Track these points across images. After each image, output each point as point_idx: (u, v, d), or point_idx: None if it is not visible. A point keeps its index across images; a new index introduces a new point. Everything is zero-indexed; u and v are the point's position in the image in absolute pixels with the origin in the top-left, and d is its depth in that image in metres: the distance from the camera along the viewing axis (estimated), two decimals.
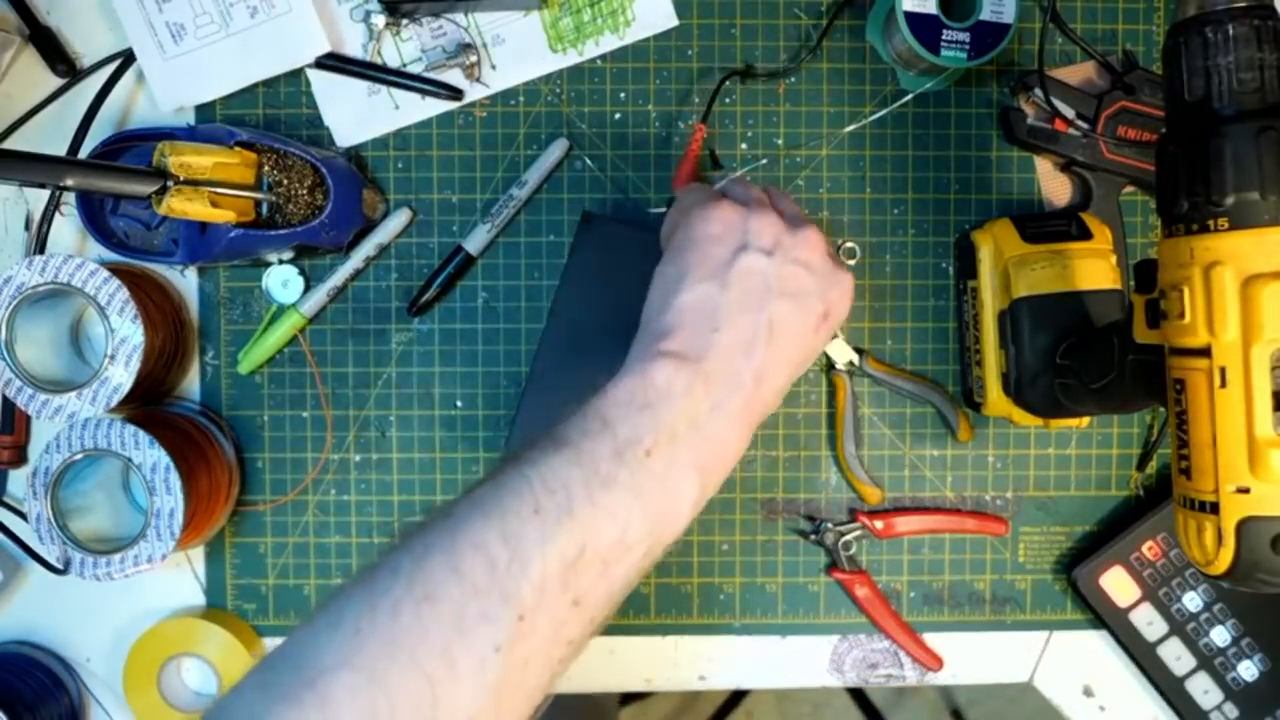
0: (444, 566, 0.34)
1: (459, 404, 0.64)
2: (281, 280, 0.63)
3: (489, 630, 0.33)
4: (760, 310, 0.42)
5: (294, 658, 0.33)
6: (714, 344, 0.41)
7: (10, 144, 0.62)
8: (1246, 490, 0.39)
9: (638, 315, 0.51)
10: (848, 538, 0.64)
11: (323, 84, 0.63)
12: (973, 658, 0.66)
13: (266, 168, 0.59)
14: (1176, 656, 0.63)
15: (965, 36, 0.57)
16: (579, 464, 0.37)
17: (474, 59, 0.62)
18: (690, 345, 0.41)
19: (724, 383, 0.41)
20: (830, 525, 0.64)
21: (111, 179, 0.52)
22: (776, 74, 0.63)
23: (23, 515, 0.62)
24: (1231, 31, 0.39)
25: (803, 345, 0.44)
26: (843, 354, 0.64)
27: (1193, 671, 0.63)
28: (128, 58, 0.61)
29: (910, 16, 0.57)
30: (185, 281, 0.64)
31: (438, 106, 0.63)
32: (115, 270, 0.56)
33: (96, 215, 0.61)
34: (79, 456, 0.56)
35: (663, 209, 0.57)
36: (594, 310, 0.59)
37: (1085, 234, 0.58)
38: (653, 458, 0.38)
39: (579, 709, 0.84)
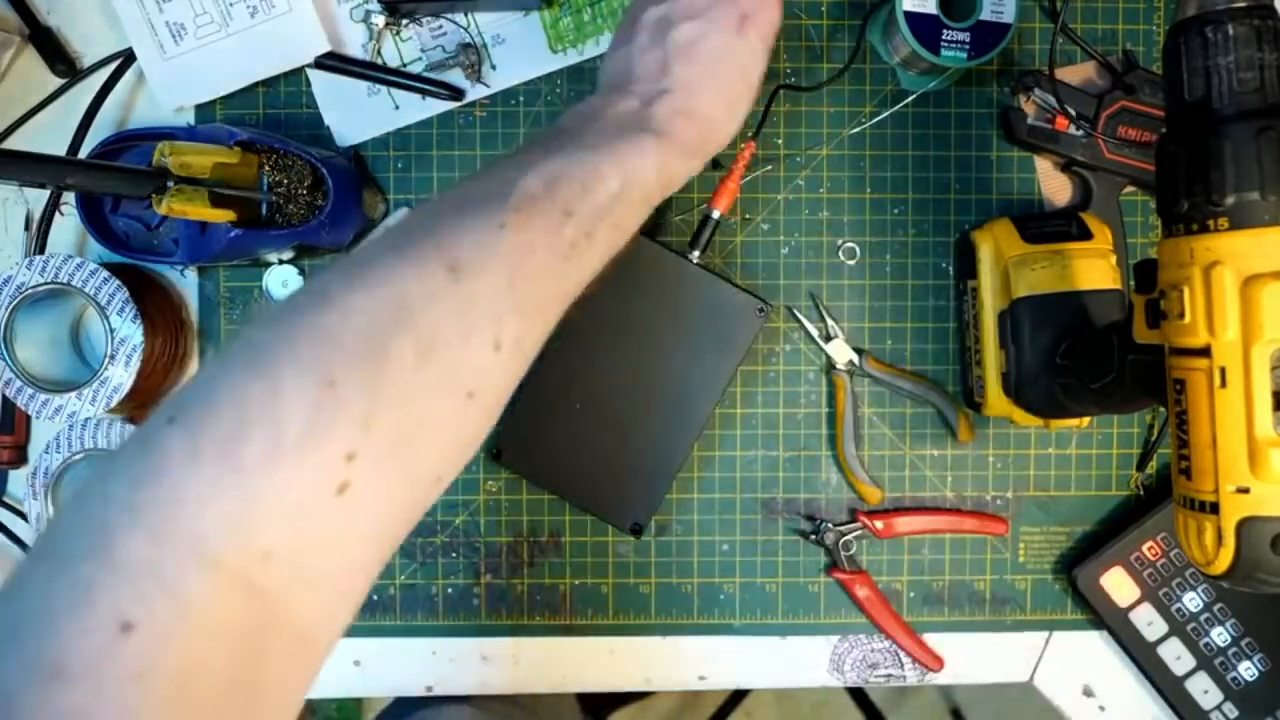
0: (451, 193, 0.42)
1: None
2: (281, 280, 0.63)
3: (490, 214, 0.40)
4: (663, 40, 0.48)
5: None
6: (633, 76, 0.49)
7: (10, 144, 0.62)
8: (1246, 490, 0.39)
9: (644, 329, 0.57)
10: (848, 538, 0.64)
11: (323, 84, 0.63)
12: (973, 658, 0.66)
13: (266, 168, 0.59)
14: (1176, 656, 0.63)
15: (965, 36, 0.57)
16: (548, 138, 0.45)
17: (474, 59, 0.62)
18: (614, 83, 0.49)
19: (650, 92, 0.48)
20: (830, 525, 0.64)
21: (111, 179, 0.52)
22: (819, 85, 0.63)
23: (23, 515, 0.62)
24: (1231, 31, 0.39)
25: (728, 52, 0.48)
26: (843, 354, 0.64)
27: (1193, 671, 0.63)
28: (128, 58, 0.61)
29: (910, 16, 0.57)
30: (185, 281, 0.64)
31: (438, 106, 0.63)
32: (115, 270, 0.56)
33: (96, 215, 0.61)
34: (79, 456, 0.56)
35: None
36: (603, 317, 0.59)
37: (1085, 234, 0.58)
38: (602, 133, 0.45)
39: (539, 710, 0.84)
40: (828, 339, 0.64)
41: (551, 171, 0.42)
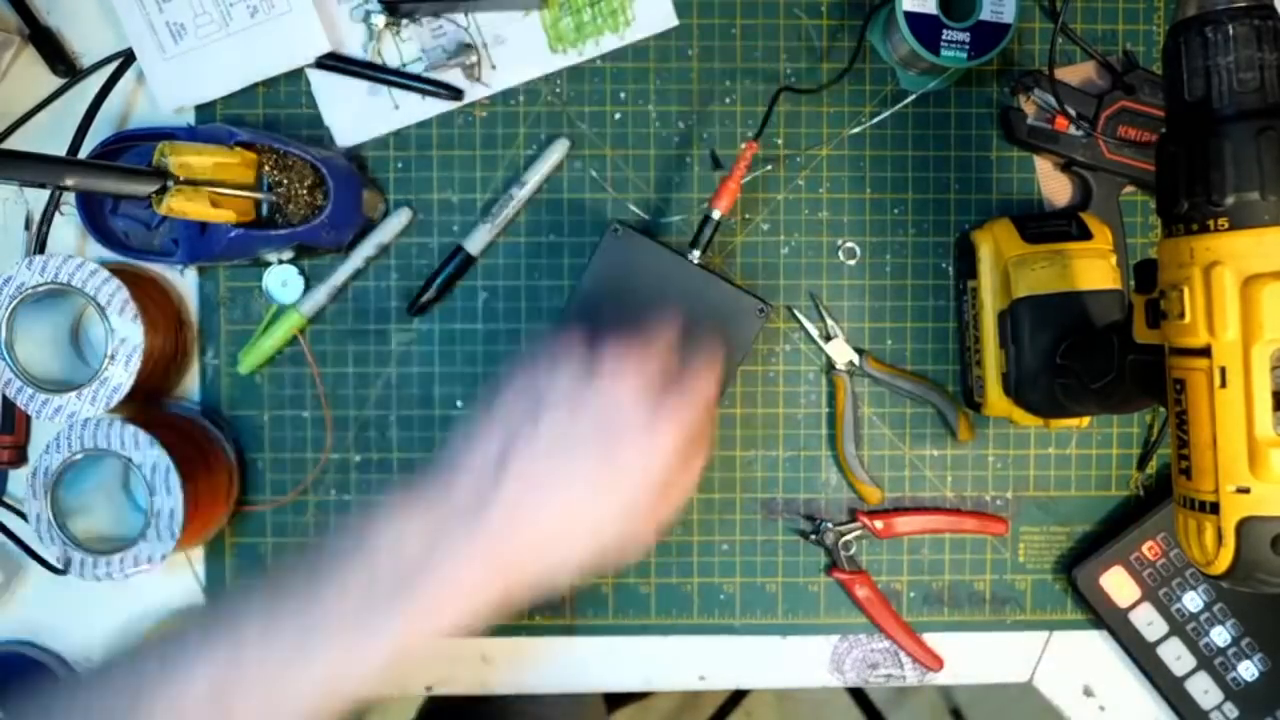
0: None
1: (459, 404, 0.64)
2: (281, 280, 0.63)
3: None
4: (510, 457, 0.40)
5: None
6: (455, 485, 0.40)
7: (10, 144, 0.62)
8: (1246, 490, 0.39)
9: (644, 329, 0.51)
10: (848, 538, 0.64)
11: (323, 84, 0.63)
12: (973, 658, 0.66)
13: (266, 168, 0.59)
14: (1176, 656, 0.63)
15: (965, 36, 0.57)
16: (254, 601, 0.37)
17: (474, 59, 0.62)
18: (433, 485, 0.41)
19: (457, 521, 0.39)
20: (830, 525, 0.64)
21: (111, 179, 0.52)
22: (820, 88, 0.63)
23: (23, 515, 0.62)
24: (1231, 31, 0.39)
25: (572, 508, 0.40)
26: (843, 354, 0.64)
27: (1193, 671, 0.63)
28: (128, 58, 0.61)
29: (910, 16, 0.57)
30: (185, 281, 0.64)
31: (438, 106, 0.63)
32: (115, 270, 0.56)
33: (96, 215, 0.61)
34: (79, 456, 0.56)
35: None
36: (603, 318, 0.59)
37: (1085, 234, 0.58)
38: (335, 602, 0.37)
39: (565, 710, 0.85)
40: (828, 339, 0.64)
41: (219, 680, 0.33)
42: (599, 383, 0.41)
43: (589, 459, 0.40)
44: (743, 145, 0.61)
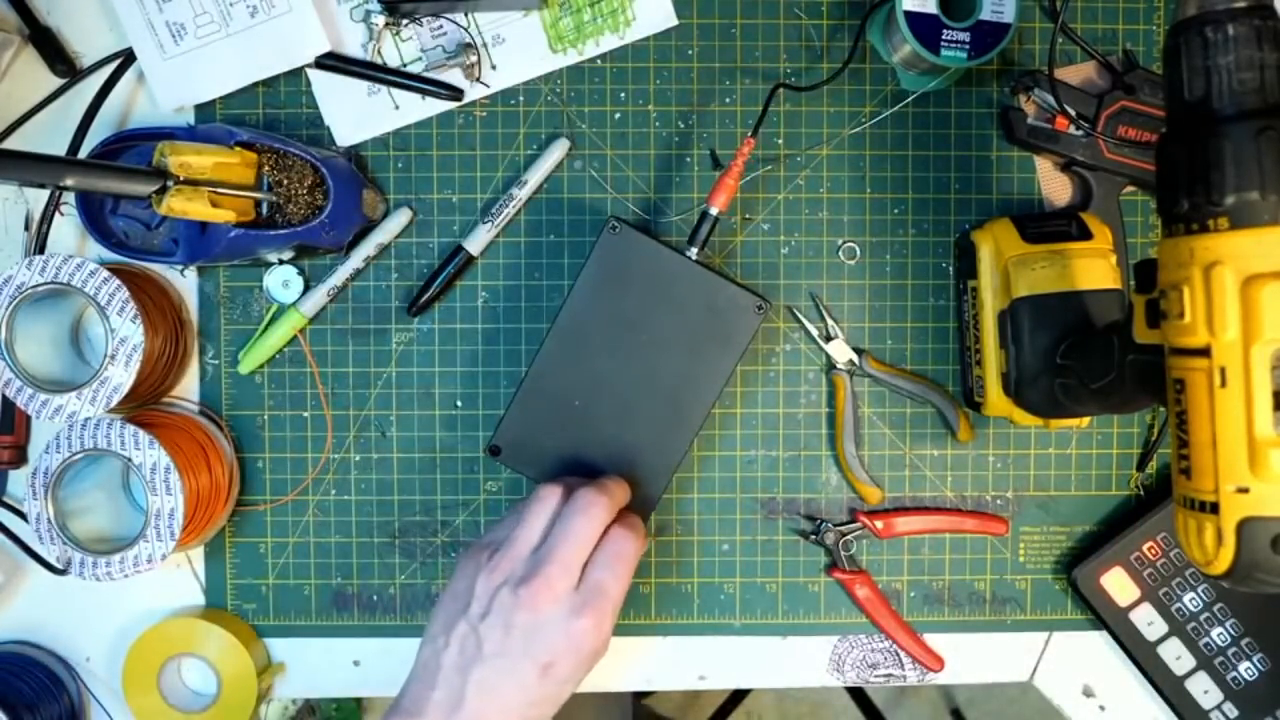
0: None
1: (459, 404, 0.64)
2: (281, 280, 0.63)
3: None
4: (468, 671, 0.49)
5: None
6: (429, 701, 0.49)
7: (10, 144, 0.62)
8: (1246, 490, 0.39)
9: (642, 327, 0.57)
10: (848, 538, 0.64)
11: (323, 84, 0.63)
12: (973, 658, 0.66)
13: (266, 168, 0.59)
14: (1176, 656, 0.63)
15: (965, 36, 0.57)
16: None
17: (474, 59, 0.62)
18: (413, 701, 0.50)
19: None
20: (830, 525, 0.64)
21: (111, 179, 0.52)
22: (818, 85, 0.62)
23: (23, 515, 0.62)
24: (1231, 31, 0.39)
25: (524, 696, 0.49)
26: (843, 354, 0.64)
27: (1193, 671, 0.63)
28: (128, 58, 0.61)
29: (910, 16, 0.57)
30: (185, 281, 0.64)
31: (438, 106, 0.63)
32: (115, 270, 0.56)
33: (96, 215, 0.62)
34: (79, 456, 0.56)
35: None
36: (601, 315, 0.59)
37: (1085, 234, 0.58)
38: None
39: (598, 705, 0.85)
40: (828, 339, 0.64)
41: None
42: (519, 613, 0.50)
43: (529, 672, 0.49)
44: (740, 142, 0.61)
